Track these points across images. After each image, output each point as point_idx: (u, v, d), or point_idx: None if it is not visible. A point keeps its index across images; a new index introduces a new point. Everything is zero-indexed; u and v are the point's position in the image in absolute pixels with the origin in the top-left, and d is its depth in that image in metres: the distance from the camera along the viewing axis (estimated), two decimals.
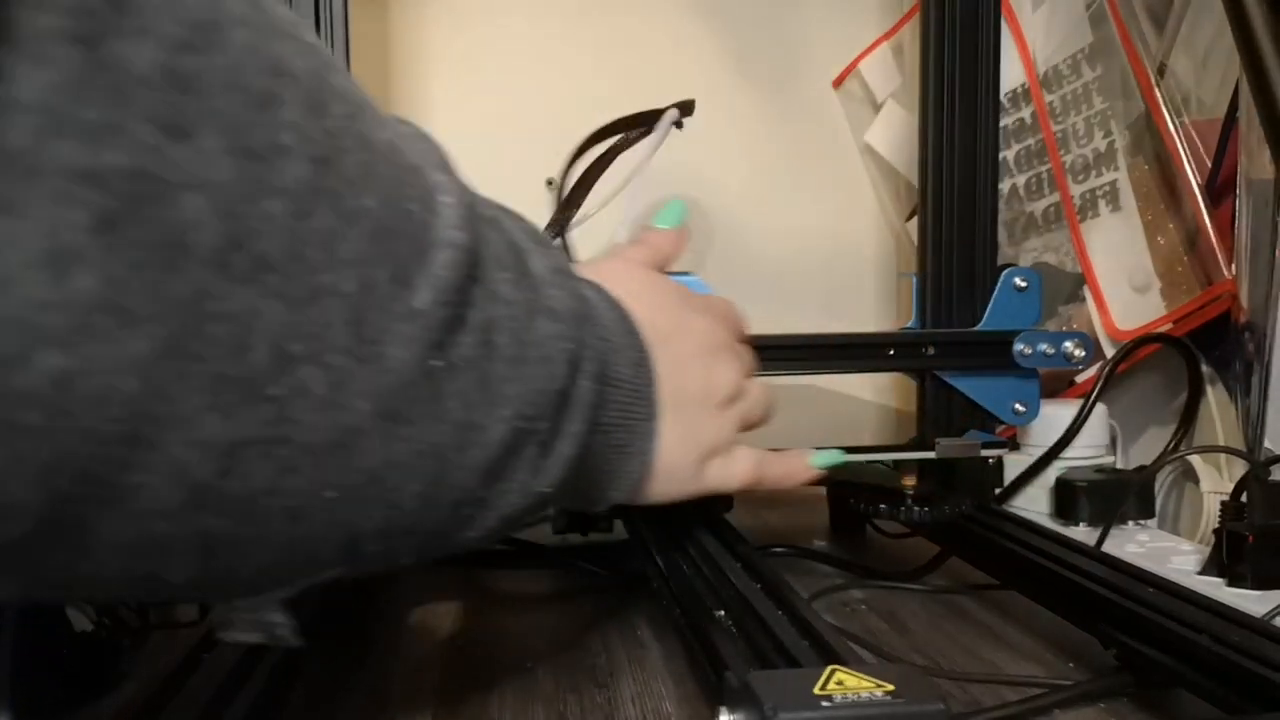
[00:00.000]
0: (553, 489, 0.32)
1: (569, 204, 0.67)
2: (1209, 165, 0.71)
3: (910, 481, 0.61)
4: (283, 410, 0.22)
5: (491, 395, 0.28)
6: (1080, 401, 0.64)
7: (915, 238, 0.75)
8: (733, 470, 0.44)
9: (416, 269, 0.25)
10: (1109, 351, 0.76)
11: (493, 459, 0.28)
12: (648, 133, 0.61)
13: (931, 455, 0.59)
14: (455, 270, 0.26)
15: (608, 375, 0.34)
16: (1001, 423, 0.66)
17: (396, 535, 0.27)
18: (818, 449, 0.51)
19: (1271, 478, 0.50)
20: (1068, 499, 0.61)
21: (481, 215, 0.28)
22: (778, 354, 0.64)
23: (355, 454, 0.24)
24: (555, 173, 0.95)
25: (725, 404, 0.43)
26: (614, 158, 0.61)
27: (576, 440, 0.32)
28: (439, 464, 0.27)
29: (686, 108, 0.65)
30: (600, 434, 0.35)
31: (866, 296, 1.03)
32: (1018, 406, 0.65)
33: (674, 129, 0.63)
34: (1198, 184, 0.71)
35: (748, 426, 0.46)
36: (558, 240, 0.66)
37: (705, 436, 0.42)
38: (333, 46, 0.60)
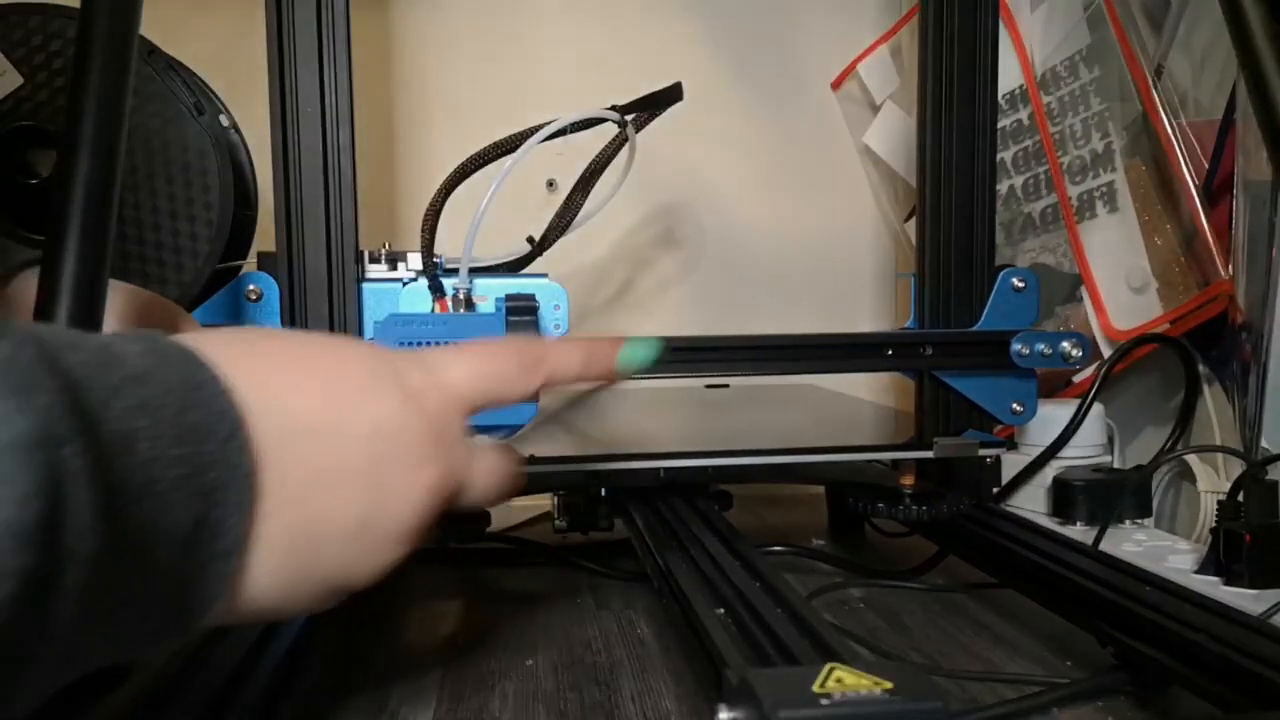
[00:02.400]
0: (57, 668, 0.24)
1: (566, 209, 0.67)
2: (1206, 166, 0.71)
3: (908, 481, 0.61)
4: None
5: None
6: (1078, 401, 0.65)
7: (913, 238, 0.75)
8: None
9: None
10: (1106, 351, 0.76)
11: None
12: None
13: (929, 454, 0.59)
14: None
15: (134, 544, 0.25)
16: (999, 422, 0.66)
17: None
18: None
19: (1268, 477, 0.50)
20: (1065, 498, 0.61)
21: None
22: (777, 354, 0.64)
23: None
24: (555, 174, 0.96)
25: (394, 538, 0.33)
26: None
27: (63, 648, 0.24)
28: None
29: (676, 93, 0.65)
30: (122, 608, 0.25)
31: (865, 297, 1.04)
32: (1015, 406, 0.65)
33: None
34: (1195, 185, 0.71)
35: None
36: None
37: (338, 574, 0.32)
38: (334, 49, 0.60)
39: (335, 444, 0.31)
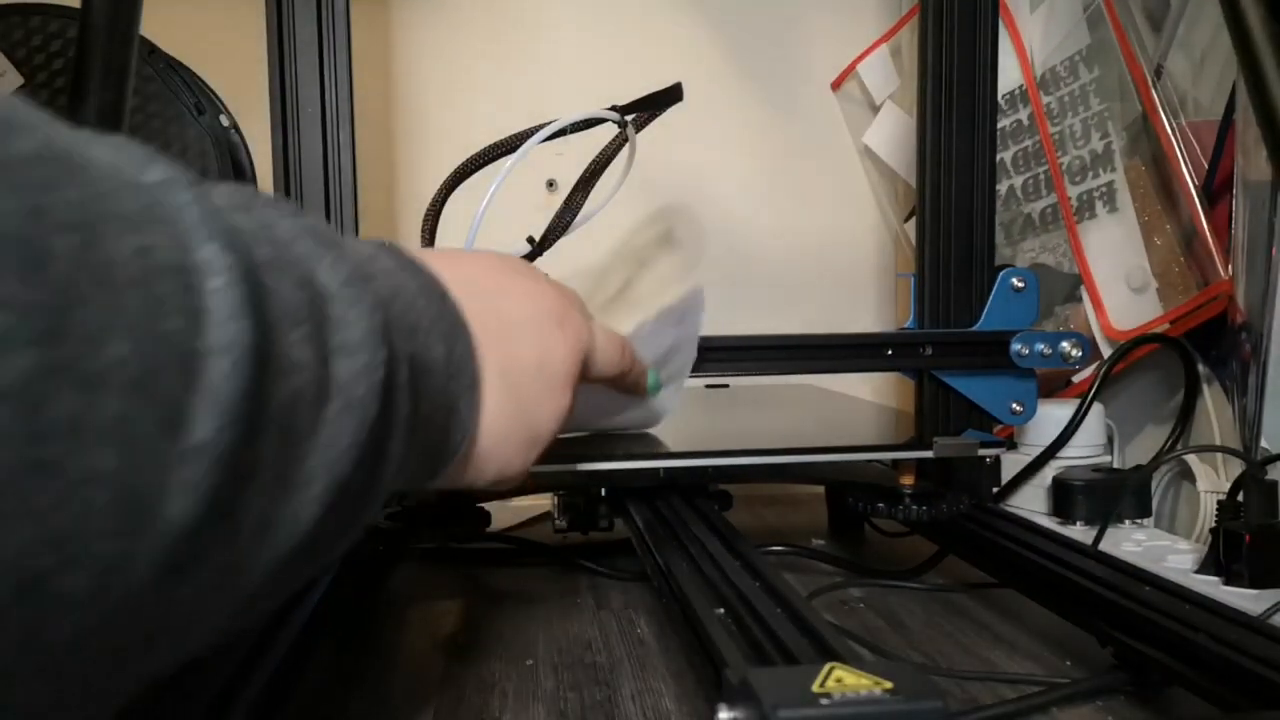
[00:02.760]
0: (376, 505, 0.30)
1: (566, 209, 0.67)
2: (1206, 166, 0.71)
3: (908, 480, 0.61)
4: (33, 629, 0.18)
5: (297, 482, 0.25)
6: (1077, 401, 0.65)
7: (913, 238, 0.75)
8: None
9: (189, 398, 0.21)
10: (1106, 351, 0.76)
11: (305, 535, 0.25)
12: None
13: (929, 454, 0.59)
14: (236, 373, 0.22)
15: (420, 369, 0.31)
16: (999, 422, 0.66)
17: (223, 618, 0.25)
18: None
19: (1268, 477, 0.50)
20: (1065, 498, 0.61)
21: (261, 265, 0.24)
22: (777, 354, 0.64)
23: (139, 618, 0.21)
24: (555, 174, 0.96)
25: (562, 380, 0.40)
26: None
27: (396, 458, 0.30)
28: (235, 581, 0.24)
29: (676, 93, 0.65)
30: (418, 430, 0.31)
31: (865, 297, 1.04)
32: (1015, 406, 0.65)
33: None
34: (1194, 185, 0.71)
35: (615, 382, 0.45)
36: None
37: (536, 412, 0.38)
38: (334, 49, 0.60)
39: (507, 301, 0.39)
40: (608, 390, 0.48)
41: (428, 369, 0.31)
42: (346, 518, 0.28)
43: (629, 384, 0.48)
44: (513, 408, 0.37)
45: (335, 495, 0.26)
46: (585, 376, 0.43)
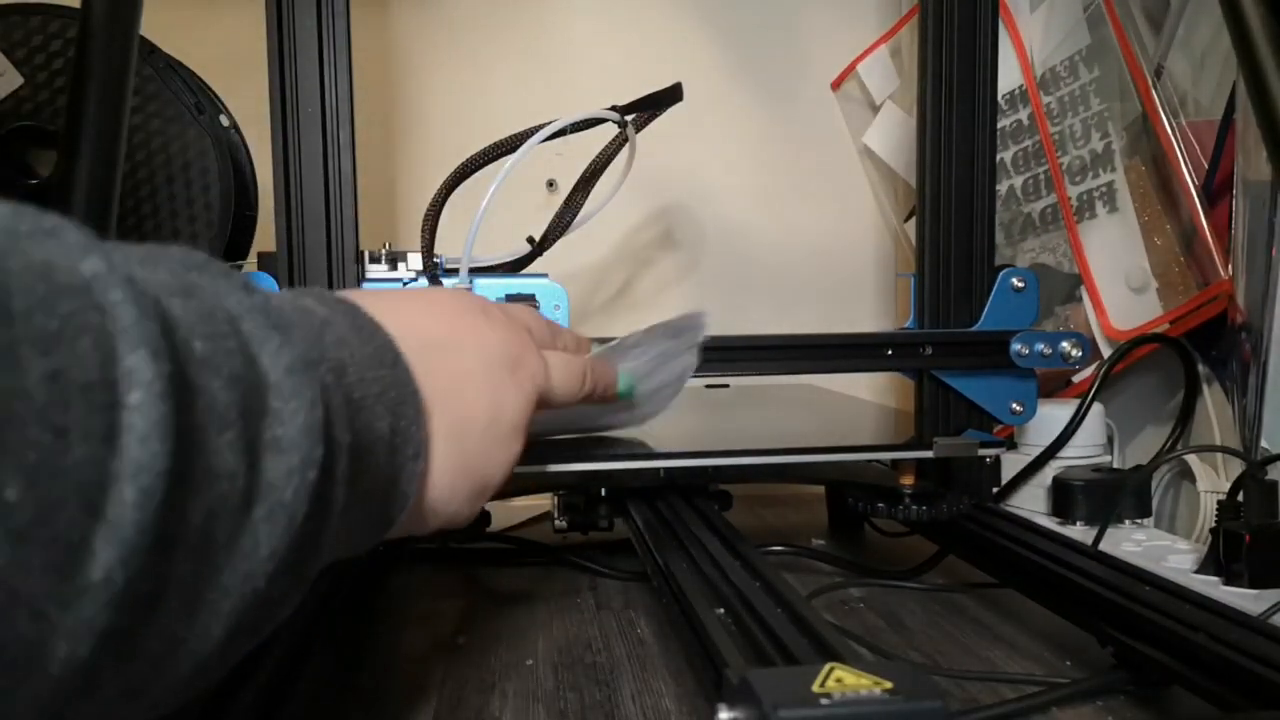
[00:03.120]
0: (295, 602, 0.28)
1: (566, 210, 0.67)
2: (1206, 166, 0.71)
3: (908, 480, 0.61)
4: None
5: (207, 600, 0.23)
6: (1077, 401, 0.65)
7: (913, 238, 0.75)
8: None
9: (89, 532, 0.19)
10: (1106, 351, 0.76)
11: (212, 653, 0.24)
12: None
13: (929, 454, 0.59)
14: (145, 500, 0.20)
15: (362, 450, 0.30)
16: (999, 422, 0.66)
17: None
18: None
19: (1268, 477, 0.50)
20: (1065, 498, 0.61)
21: (194, 363, 0.23)
22: (777, 354, 0.64)
23: None
24: (555, 174, 0.96)
25: (513, 430, 0.40)
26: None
27: (326, 549, 0.29)
28: (129, 705, 0.23)
29: (676, 93, 0.65)
30: (355, 510, 0.30)
31: (865, 297, 1.04)
32: (1015, 406, 0.65)
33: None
34: (1194, 185, 0.71)
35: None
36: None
37: (484, 466, 0.38)
38: (334, 49, 0.60)
39: (458, 355, 0.38)
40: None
41: (370, 449, 0.31)
42: (263, 624, 0.26)
43: (595, 400, 0.49)
44: (460, 464, 0.37)
45: (249, 607, 0.25)
46: (543, 407, 0.43)
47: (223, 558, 0.24)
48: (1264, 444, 0.62)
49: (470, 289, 0.64)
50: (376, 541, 0.34)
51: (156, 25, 0.57)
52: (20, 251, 0.19)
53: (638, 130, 0.66)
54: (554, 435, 0.57)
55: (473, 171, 0.64)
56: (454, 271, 0.63)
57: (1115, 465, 0.67)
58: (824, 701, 0.26)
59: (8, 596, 0.18)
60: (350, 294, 0.36)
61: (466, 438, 0.37)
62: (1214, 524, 0.50)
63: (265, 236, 0.63)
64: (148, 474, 0.20)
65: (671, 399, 0.57)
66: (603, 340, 0.54)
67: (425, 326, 0.38)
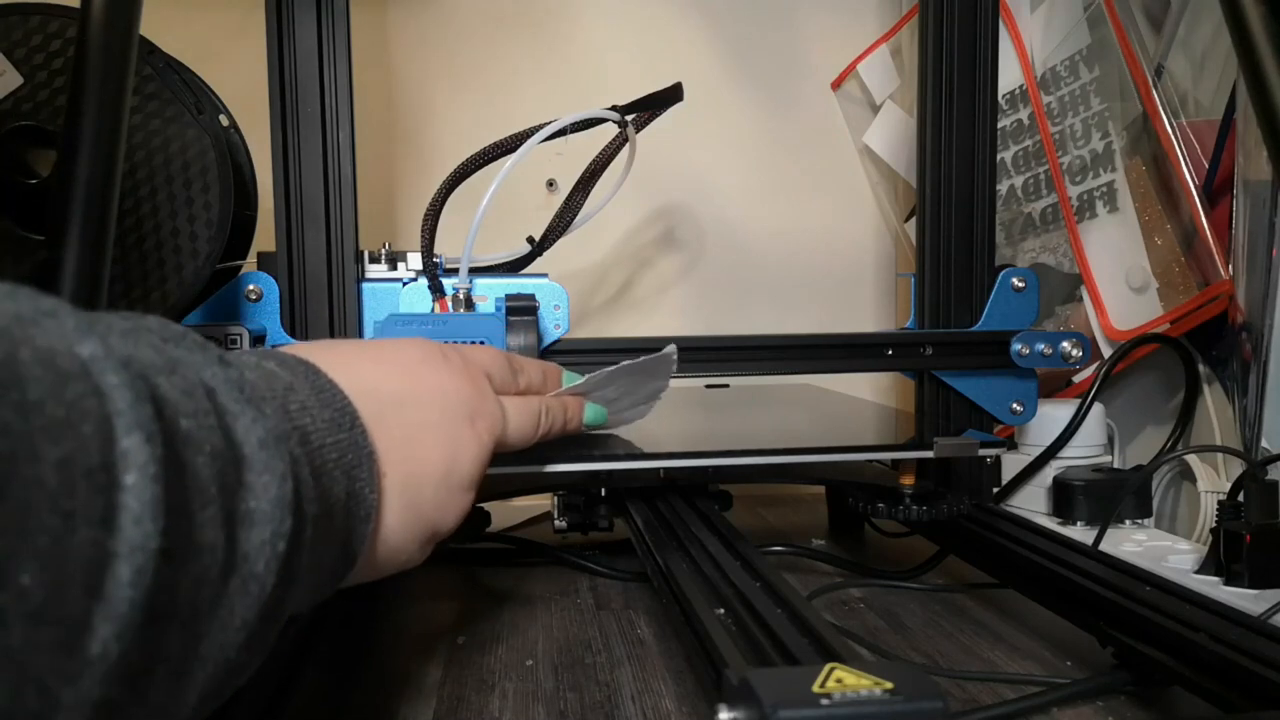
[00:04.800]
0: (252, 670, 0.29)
1: (566, 209, 0.67)
2: (1206, 166, 0.71)
3: (909, 480, 0.61)
4: None
5: (189, 670, 0.24)
6: (1077, 401, 0.65)
7: (914, 238, 0.75)
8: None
9: (89, 610, 0.20)
10: (1106, 351, 0.76)
11: (189, 711, 0.25)
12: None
13: (929, 454, 0.59)
14: (140, 578, 0.21)
15: (322, 516, 0.31)
16: (999, 422, 0.66)
17: None
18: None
19: (1268, 477, 0.50)
20: (1065, 498, 0.61)
21: (181, 439, 0.24)
22: (777, 354, 0.64)
23: None
24: (555, 174, 0.96)
25: (468, 481, 0.40)
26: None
27: (284, 614, 0.29)
28: None
29: (676, 93, 0.65)
30: (310, 576, 0.31)
31: (865, 296, 1.04)
32: (1015, 406, 0.66)
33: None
34: (1195, 185, 0.71)
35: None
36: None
37: (436, 516, 0.39)
38: (334, 49, 0.60)
39: (415, 410, 0.38)
40: None
41: (329, 514, 0.31)
42: (225, 690, 0.27)
43: (555, 436, 0.50)
44: (412, 517, 0.37)
45: (221, 675, 0.26)
46: (500, 451, 0.44)
47: (204, 626, 0.25)
48: (1264, 444, 0.62)
49: (472, 288, 0.64)
50: (325, 596, 0.34)
51: (156, 25, 0.57)
52: (28, 339, 0.20)
53: (638, 130, 0.66)
54: None
55: (472, 171, 0.63)
56: (454, 271, 0.63)
57: (1115, 465, 0.67)
58: (824, 702, 0.26)
59: (19, 674, 0.19)
60: (307, 349, 0.36)
61: (421, 490, 0.38)
62: (1214, 524, 0.50)
63: (265, 236, 0.63)
64: (141, 553, 0.21)
65: (636, 420, 0.58)
66: (590, 367, 0.55)
67: (382, 380, 0.38)
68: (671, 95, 0.65)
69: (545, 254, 0.68)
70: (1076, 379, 0.80)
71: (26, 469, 0.19)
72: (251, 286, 0.60)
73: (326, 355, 0.36)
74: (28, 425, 0.19)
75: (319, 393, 0.33)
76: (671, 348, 0.55)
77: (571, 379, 0.53)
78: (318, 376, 0.34)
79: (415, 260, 0.64)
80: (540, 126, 0.62)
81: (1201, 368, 0.70)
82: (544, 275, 0.64)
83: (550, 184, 0.96)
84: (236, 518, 0.26)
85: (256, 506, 0.26)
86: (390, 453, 0.36)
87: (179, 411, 0.24)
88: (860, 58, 0.99)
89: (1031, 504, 0.64)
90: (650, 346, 0.55)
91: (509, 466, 0.49)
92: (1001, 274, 0.66)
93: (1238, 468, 0.61)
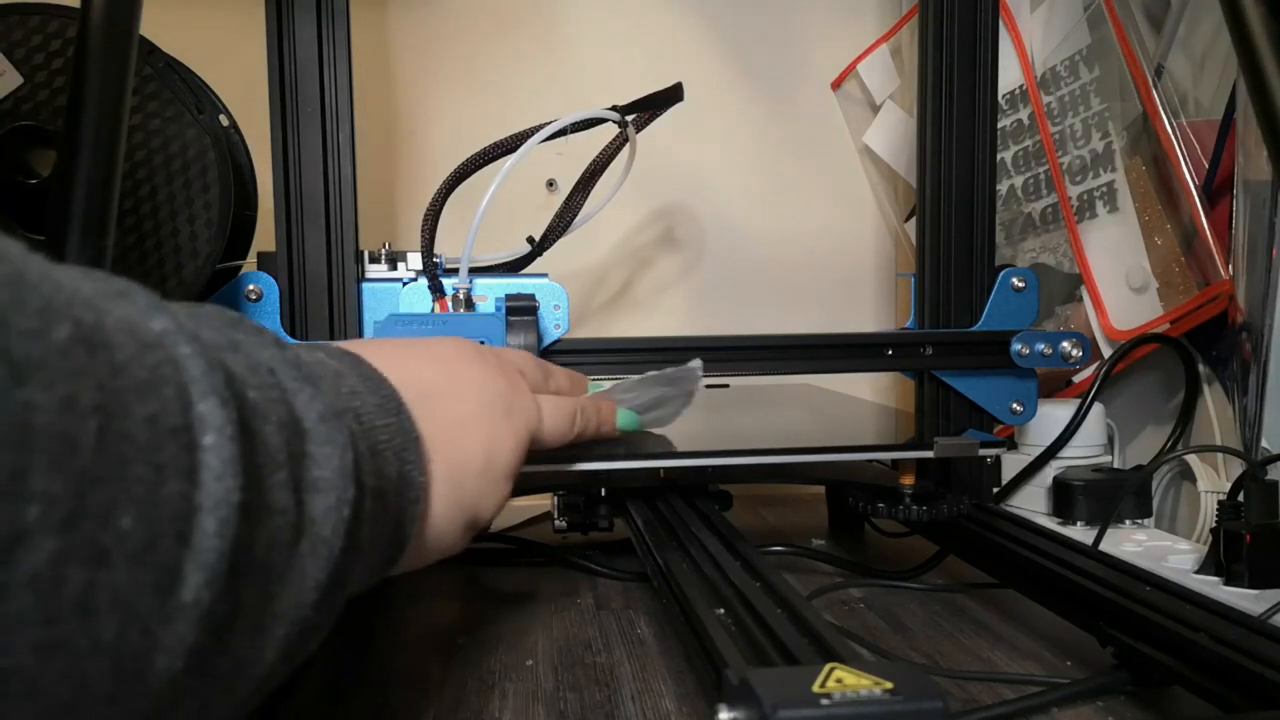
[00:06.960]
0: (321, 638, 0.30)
1: (566, 209, 0.67)
2: (1206, 166, 0.71)
3: (909, 480, 0.61)
4: None
5: (266, 625, 0.26)
6: (1077, 401, 0.65)
7: (914, 238, 0.75)
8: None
9: (181, 558, 0.22)
10: (1106, 351, 0.76)
11: (264, 676, 0.27)
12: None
13: (930, 454, 0.59)
14: (224, 529, 0.23)
15: (377, 495, 0.32)
16: (999, 422, 0.66)
17: None
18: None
19: (1268, 477, 0.50)
20: (1065, 498, 0.61)
21: (250, 410, 0.25)
22: (777, 354, 0.64)
23: None
24: (555, 174, 0.96)
25: (506, 472, 0.41)
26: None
27: (352, 584, 0.31)
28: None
29: (676, 93, 0.65)
30: (371, 552, 0.32)
31: (865, 297, 1.04)
32: (1015, 406, 0.65)
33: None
34: (1195, 185, 0.71)
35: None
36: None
37: (477, 505, 0.40)
38: (334, 49, 0.60)
39: (456, 401, 0.40)
40: None
41: (383, 492, 0.33)
42: (300, 651, 0.28)
43: (589, 438, 0.51)
44: (456, 505, 0.39)
45: (297, 633, 0.27)
46: (535, 448, 0.45)
47: (278, 586, 0.26)
48: (1264, 444, 0.62)
49: (472, 288, 0.64)
50: (382, 577, 0.36)
51: (156, 25, 0.57)
52: (108, 312, 0.22)
53: (638, 130, 0.66)
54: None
55: (473, 171, 0.63)
56: (454, 271, 0.63)
57: (1115, 465, 0.67)
58: (824, 702, 0.26)
59: (126, 613, 0.20)
60: (351, 345, 0.38)
61: (464, 479, 0.39)
62: (1214, 524, 0.50)
63: (265, 236, 0.63)
64: (225, 506, 0.23)
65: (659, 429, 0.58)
66: (589, 368, 0.55)
67: (423, 374, 0.39)
68: (672, 95, 0.65)
69: (545, 254, 0.68)
70: (1076, 379, 0.80)
71: (121, 423, 0.20)
72: (251, 286, 0.60)
73: (367, 349, 0.37)
74: (119, 383, 0.21)
75: (365, 379, 0.34)
76: (697, 361, 0.55)
77: (596, 388, 0.53)
78: (363, 365, 0.35)
79: (415, 260, 0.64)
80: (540, 126, 0.62)
81: (1201, 368, 0.70)
82: (544, 275, 0.64)
83: (550, 184, 0.96)
84: (304, 485, 0.27)
85: (321, 475, 0.28)
86: (434, 440, 0.37)
87: (246, 384, 0.26)
88: (860, 58, 0.99)
89: (1031, 504, 0.64)
90: (650, 346, 0.55)
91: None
92: (1001, 274, 0.66)
93: (1238, 468, 0.61)
